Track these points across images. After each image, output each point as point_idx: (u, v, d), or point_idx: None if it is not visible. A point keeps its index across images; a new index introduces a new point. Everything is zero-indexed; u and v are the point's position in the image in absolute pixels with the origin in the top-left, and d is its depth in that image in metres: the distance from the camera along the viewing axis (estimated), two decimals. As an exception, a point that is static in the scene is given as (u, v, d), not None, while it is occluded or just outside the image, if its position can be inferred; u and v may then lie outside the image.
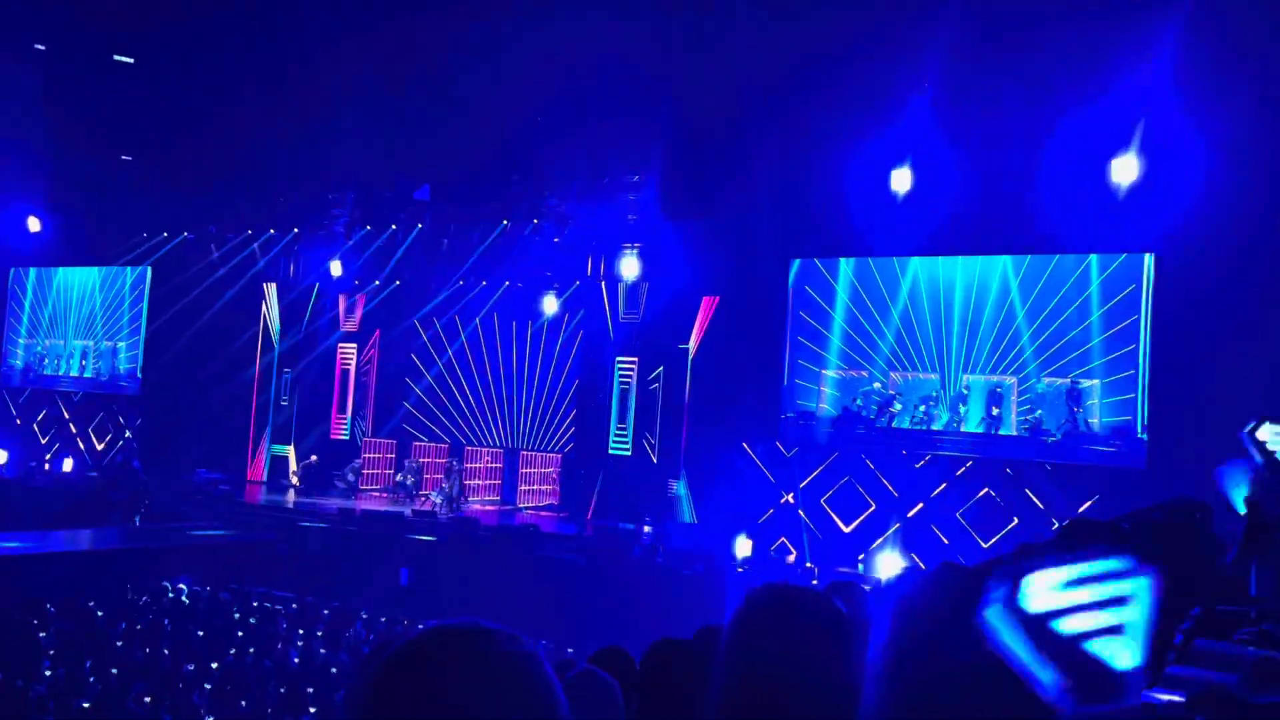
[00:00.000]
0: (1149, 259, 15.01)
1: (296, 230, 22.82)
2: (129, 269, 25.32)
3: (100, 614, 13.17)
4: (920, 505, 16.37)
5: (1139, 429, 14.90)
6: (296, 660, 11.73)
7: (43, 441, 25.76)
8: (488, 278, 21.67)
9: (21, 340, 26.89)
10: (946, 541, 15.93)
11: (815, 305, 17.62)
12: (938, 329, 16.65)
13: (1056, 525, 13.52)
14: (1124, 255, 15.20)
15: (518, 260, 20.88)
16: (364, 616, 14.53)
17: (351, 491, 21.75)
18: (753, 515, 17.13)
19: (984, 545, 15.54)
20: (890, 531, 16.40)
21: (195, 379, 23.27)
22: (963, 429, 16.24)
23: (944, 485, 16.31)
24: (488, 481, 21.87)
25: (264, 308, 23.89)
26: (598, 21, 14.67)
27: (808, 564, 16.06)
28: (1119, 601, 0.93)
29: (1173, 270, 14.57)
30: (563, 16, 14.77)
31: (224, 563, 16.66)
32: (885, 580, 13.62)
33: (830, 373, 17.40)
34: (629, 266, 19.38)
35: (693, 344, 19.05)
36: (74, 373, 25.89)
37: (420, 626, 1.15)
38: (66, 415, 25.77)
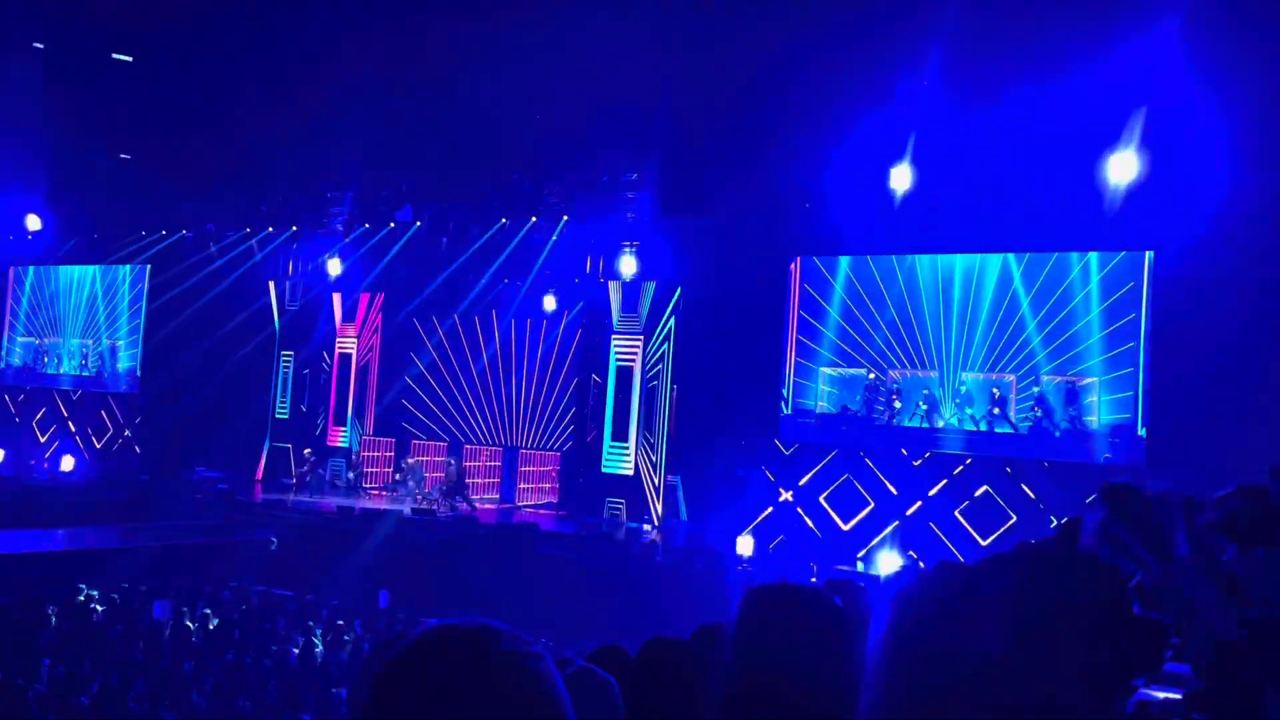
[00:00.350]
0: (1148, 256, 15.02)
1: (295, 228, 22.82)
2: (128, 267, 25.31)
3: (99, 610, 13.17)
4: (919, 503, 16.38)
5: (1138, 426, 14.91)
6: (296, 655, 11.73)
7: (41, 440, 25.77)
8: (487, 276, 21.65)
9: (20, 339, 26.88)
10: (945, 539, 15.94)
11: (814, 303, 17.62)
12: (936, 327, 16.66)
13: (1055, 523, 13.55)
14: (1123, 253, 15.21)
15: (517, 258, 20.87)
16: (362, 615, 14.53)
17: (352, 490, 21.75)
18: (752, 513, 17.15)
19: (982, 543, 15.55)
20: (889, 530, 16.41)
21: (194, 377, 23.26)
22: (963, 427, 16.25)
23: (943, 483, 16.32)
24: (487, 480, 21.88)
25: (263, 306, 23.87)
26: (598, 20, 14.68)
27: (812, 566, 16.04)
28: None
29: (1172, 268, 14.57)
30: (563, 16, 14.78)
31: (224, 561, 16.65)
32: (884, 577, 13.63)
33: (829, 370, 17.40)
34: (628, 265, 19.37)
35: (691, 344, 19.03)
36: (73, 371, 25.89)
37: (423, 624, 1.15)
38: (65, 414, 25.78)
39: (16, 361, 26.83)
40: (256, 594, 15.51)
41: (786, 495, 17.51)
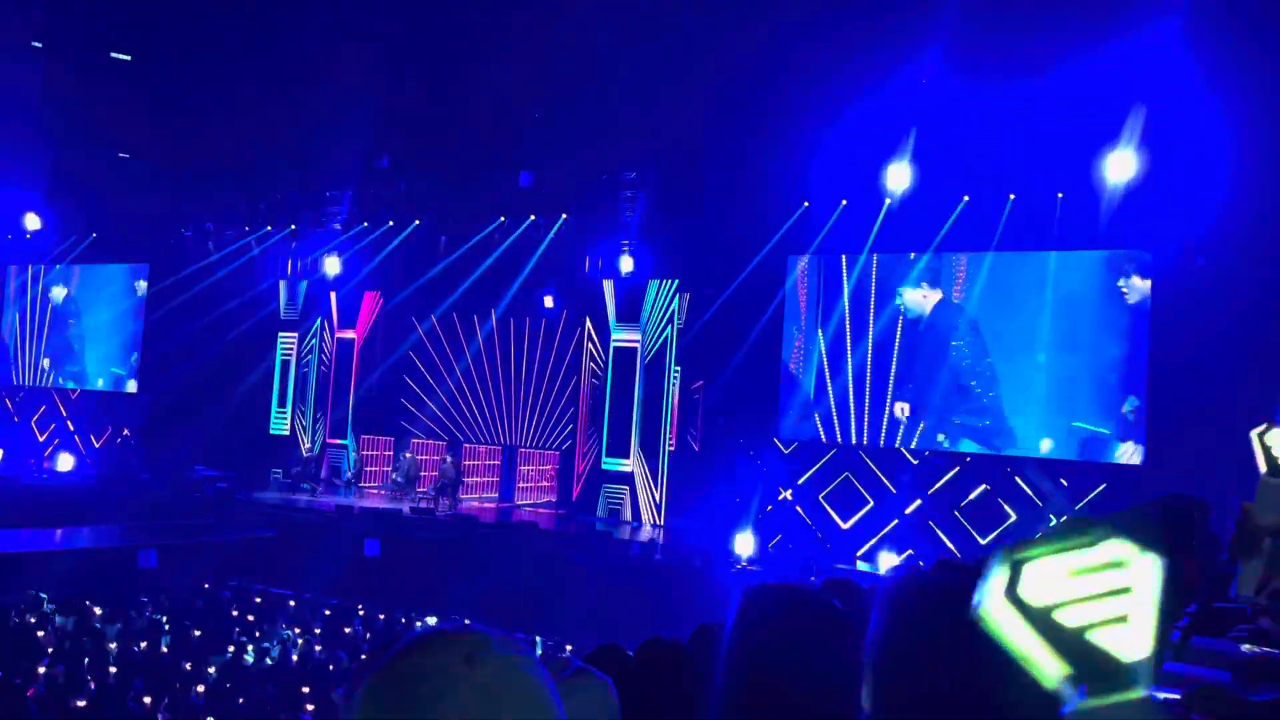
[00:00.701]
0: (1146, 256, 15.01)
1: (294, 227, 22.83)
2: (127, 266, 25.31)
3: (99, 611, 13.17)
4: (918, 502, 16.39)
5: (1137, 426, 14.90)
6: (295, 658, 11.73)
7: (40, 439, 25.77)
8: (485, 274, 21.65)
9: (19, 338, 26.88)
10: (944, 538, 15.96)
11: (814, 302, 17.62)
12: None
13: (1054, 522, 13.55)
14: (1122, 251, 15.20)
15: (516, 256, 20.87)
16: (361, 613, 14.54)
17: (353, 489, 21.76)
18: (751, 512, 17.15)
19: (982, 542, 15.55)
20: (888, 528, 16.42)
21: (193, 376, 23.26)
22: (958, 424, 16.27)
23: (942, 482, 16.33)
24: (486, 479, 21.89)
25: (262, 303, 23.87)
26: (597, 17, 14.67)
27: (814, 573, 16.04)
28: (1121, 590, 0.92)
29: (1171, 267, 14.56)
30: (562, 12, 14.77)
31: (223, 561, 16.66)
32: (883, 577, 13.65)
33: (829, 370, 17.40)
34: (626, 263, 19.38)
35: (690, 340, 19.04)
36: (73, 370, 25.88)
37: (418, 628, 1.15)
38: (64, 413, 25.78)
39: (15, 361, 26.81)
40: (256, 593, 15.52)
41: (786, 494, 17.52)
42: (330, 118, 17.55)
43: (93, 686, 9.62)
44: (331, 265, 22.62)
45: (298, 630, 13.39)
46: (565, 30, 15.03)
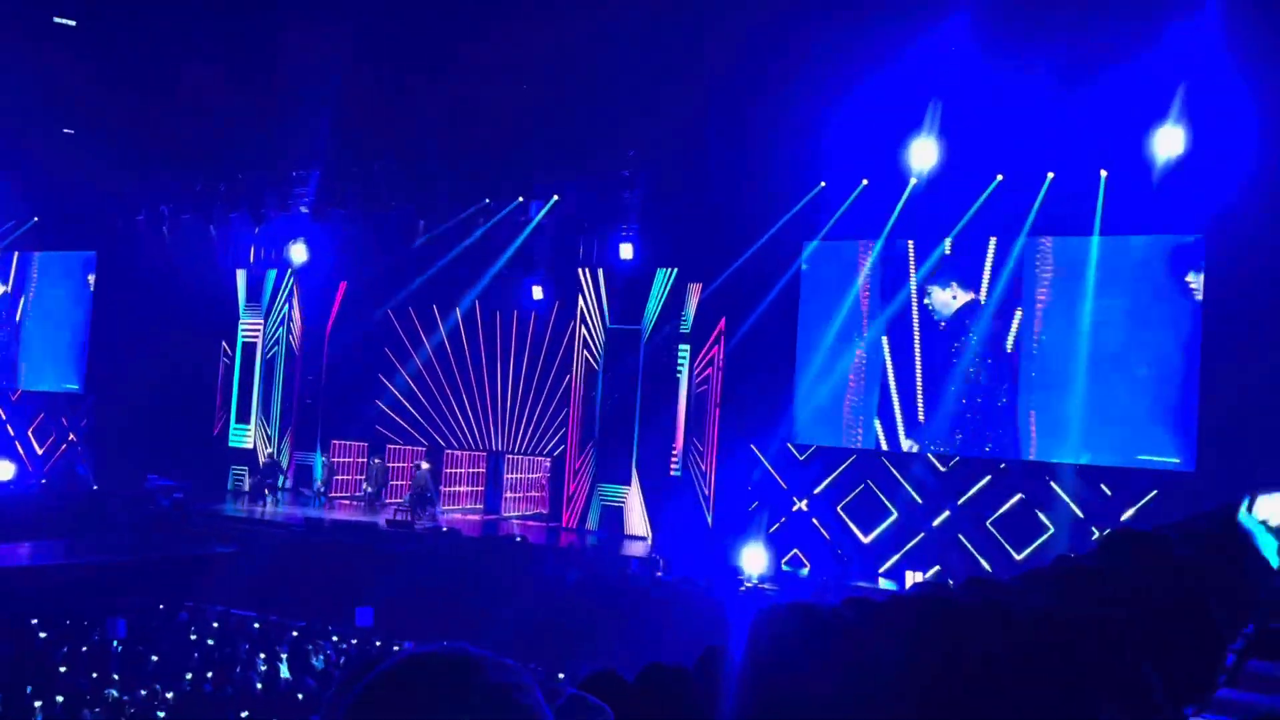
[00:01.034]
0: (1198, 242, 14.99)
1: (258, 211, 22.78)
2: (73, 253, 25.26)
3: (44, 635, 13.17)
4: (947, 513, 16.40)
5: (1190, 426, 14.90)
6: (259, 686, 11.74)
7: (-22, 445, 25.78)
8: (469, 263, 21.62)
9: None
10: (975, 553, 15.96)
11: (830, 291, 17.61)
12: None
13: (1096, 535, 13.56)
14: (1170, 237, 15.19)
15: (502, 244, 20.85)
16: (333, 638, 14.54)
17: (320, 499, 21.75)
18: (762, 524, 17.15)
19: (1017, 557, 15.56)
20: (914, 542, 16.42)
21: (147, 375, 23.21)
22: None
23: (973, 491, 16.33)
24: (470, 488, 21.88)
25: (222, 295, 23.85)
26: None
27: (832, 592, 16.05)
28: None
29: (1223, 253, 14.55)
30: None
31: (180, 579, 16.65)
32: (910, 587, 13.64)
33: (848, 365, 17.41)
34: (625, 251, 19.36)
35: (694, 336, 19.04)
36: (13, 368, 25.86)
37: (397, 650, 1.15)
38: (4, 415, 25.76)
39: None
40: (216, 615, 15.51)
41: (801, 504, 17.52)
42: (298, 90, 17.49)
43: (39, 718, 9.62)
44: (298, 252, 22.58)
45: (262, 655, 13.39)
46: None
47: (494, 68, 16.56)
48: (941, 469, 16.67)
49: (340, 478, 22.71)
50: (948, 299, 16.78)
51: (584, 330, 20.56)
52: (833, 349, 17.52)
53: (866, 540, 17.03)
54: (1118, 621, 1.21)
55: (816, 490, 17.42)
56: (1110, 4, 13.21)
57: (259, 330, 23.72)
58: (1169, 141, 14.22)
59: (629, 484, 19.49)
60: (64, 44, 17.95)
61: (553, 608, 14.82)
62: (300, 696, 11.27)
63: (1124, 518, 14.83)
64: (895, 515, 16.81)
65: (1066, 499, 15.64)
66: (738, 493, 17.89)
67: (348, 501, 22.17)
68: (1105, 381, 15.48)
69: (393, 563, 16.69)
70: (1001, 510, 16.09)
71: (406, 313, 22.47)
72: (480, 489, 21.82)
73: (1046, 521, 15.71)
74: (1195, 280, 14.98)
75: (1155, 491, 14.88)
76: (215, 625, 14.94)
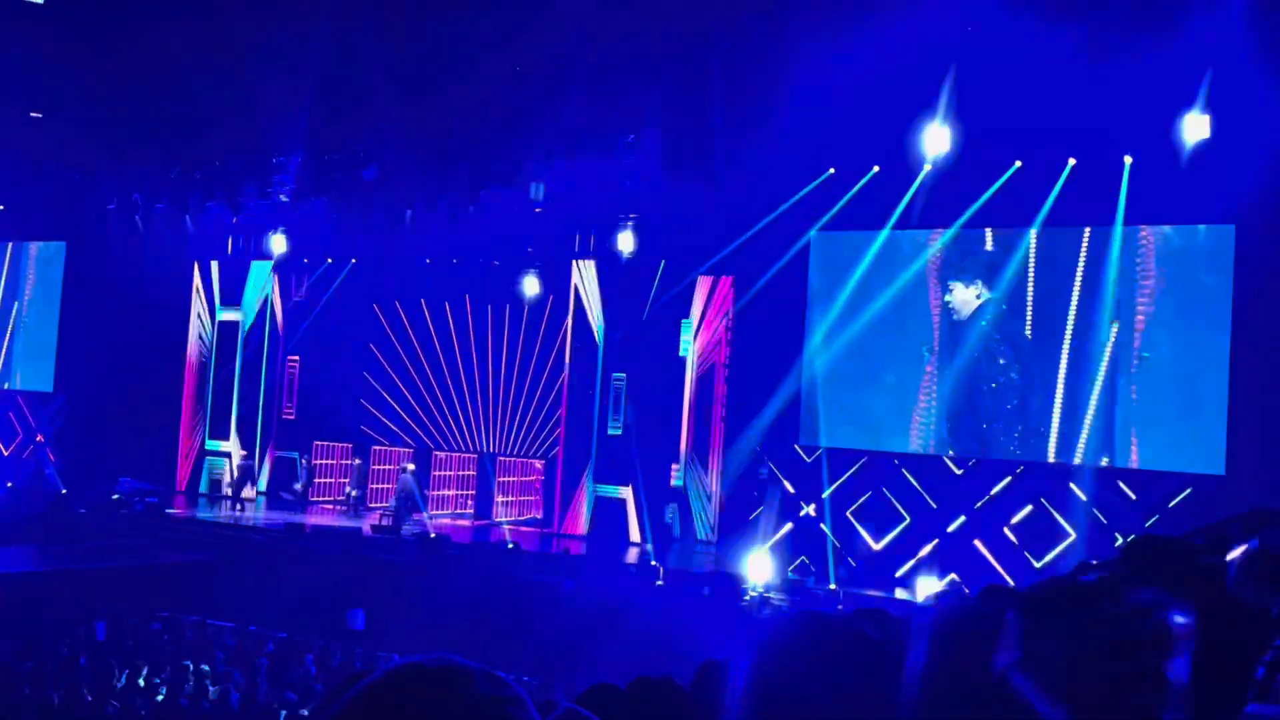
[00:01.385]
0: (1229, 231, 14.99)
1: (235, 199, 22.75)
2: (41, 244, 25.24)
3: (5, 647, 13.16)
4: (962, 518, 16.40)
5: (1218, 428, 14.90)
6: (237, 700, 11.74)
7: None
8: (460, 254, 21.62)
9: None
10: (993, 560, 15.97)
11: (840, 285, 17.60)
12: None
13: (1120, 541, 13.57)
14: (1201, 227, 15.19)
15: (495, 233, 20.84)
16: (313, 651, 14.54)
17: (300, 503, 21.74)
18: (768, 530, 17.16)
19: (1037, 565, 15.58)
20: (928, 549, 16.43)
21: (118, 372, 23.22)
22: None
23: (990, 495, 16.34)
24: (459, 492, 21.89)
25: (198, 289, 23.85)
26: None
27: (831, 586, 16.08)
28: (1156, 645, 0.93)
29: (1258, 243, 14.54)
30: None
31: (153, 588, 16.65)
32: (921, 604, 13.66)
33: (860, 363, 17.41)
34: (624, 241, 19.35)
35: (696, 329, 19.04)
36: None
37: (385, 664, 1.15)
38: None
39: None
40: (191, 625, 15.51)
41: (808, 509, 17.53)
42: (277, 72, 17.47)
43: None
44: (278, 243, 22.57)
45: (240, 669, 13.39)
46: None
47: (487, 46, 16.54)
48: (957, 471, 16.68)
49: (323, 480, 22.69)
50: (969, 297, 16.75)
51: (580, 325, 20.55)
52: (845, 346, 17.52)
53: (878, 547, 17.05)
54: (1139, 631, 1.21)
55: (825, 494, 17.43)
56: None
57: (235, 322, 23.69)
58: (1196, 127, 14.20)
59: (627, 487, 19.48)
60: (31, 22, 17.91)
61: (547, 618, 14.83)
62: (284, 714, 11.27)
63: (1149, 523, 14.84)
64: (908, 520, 16.81)
65: (1088, 503, 15.65)
66: (742, 497, 17.89)
67: (330, 506, 22.16)
68: (1130, 379, 15.48)
69: (378, 570, 16.70)
70: (1020, 515, 16.10)
71: (393, 306, 22.46)
72: (470, 493, 21.84)
73: (1067, 527, 15.71)
74: (1225, 271, 14.97)
75: (1183, 495, 14.89)
76: (190, 636, 14.94)
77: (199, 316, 23.89)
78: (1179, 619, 0.96)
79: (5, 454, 24.96)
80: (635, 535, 19.19)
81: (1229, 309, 14.86)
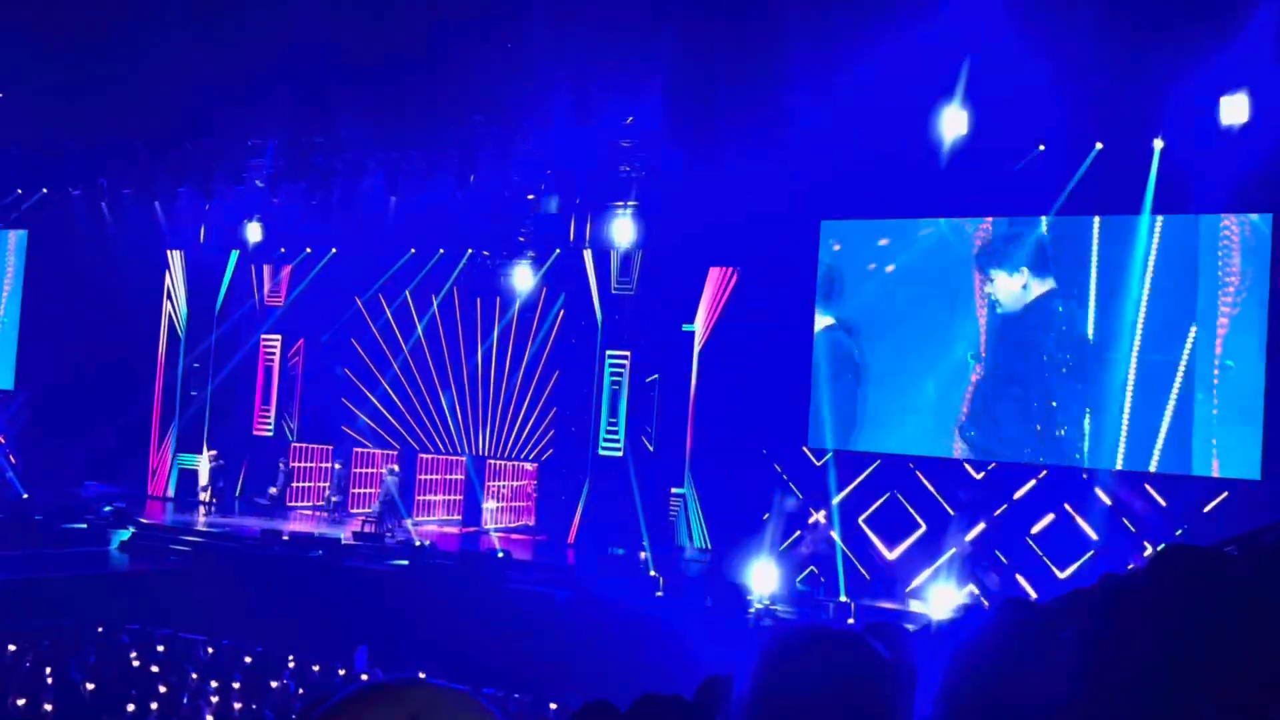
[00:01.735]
0: (1267, 220, 14.98)
1: (208, 185, 22.73)
2: (1, 232, 25.23)
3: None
4: (981, 525, 16.40)
5: (1254, 430, 14.91)
6: (209, 718, 11.74)
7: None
8: (446, 245, 21.61)
9: None
10: (1014, 570, 15.97)
11: (851, 276, 17.60)
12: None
13: (1150, 550, 13.58)
14: (1235, 216, 15.18)
15: (483, 223, 20.82)
16: (291, 665, 14.55)
17: (276, 507, 21.72)
18: (775, 539, 17.15)
19: (1060, 576, 15.58)
20: (944, 558, 16.43)
21: (83, 370, 23.21)
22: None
23: (1012, 501, 16.34)
24: (446, 497, 21.89)
25: (168, 281, 23.83)
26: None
27: (842, 598, 16.10)
28: None
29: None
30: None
31: (121, 598, 16.64)
32: (937, 622, 13.65)
33: (874, 359, 17.42)
34: (622, 230, 19.34)
35: (700, 326, 19.04)
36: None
37: (361, 680, 1.14)
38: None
39: None
40: (162, 638, 15.51)
41: (818, 516, 17.53)
42: (254, 48, 17.45)
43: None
44: (253, 232, 22.56)
45: (214, 684, 13.40)
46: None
47: (469, 25, 16.55)
48: (976, 476, 16.68)
49: (301, 484, 22.69)
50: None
51: (576, 319, 20.55)
52: (857, 341, 17.53)
53: (891, 556, 17.05)
54: (1173, 643, 1.20)
55: (836, 500, 17.43)
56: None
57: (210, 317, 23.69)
58: (1234, 110, 14.17)
59: (626, 490, 19.48)
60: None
61: (539, 631, 14.84)
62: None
63: (1178, 532, 14.85)
64: (924, 528, 16.82)
65: (1116, 511, 15.65)
66: (747, 502, 17.88)
67: (309, 511, 22.16)
68: (1158, 378, 15.48)
69: (359, 580, 16.70)
70: (1043, 523, 16.10)
71: (376, 300, 22.45)
72: (458, 498, 21.84)
73: (1093, 535, 15.72)
74: (1260, 263, 14.97)
75: (1219, 500, 14.89)
76: (161, 650, 14.94)
77: (172, 309, 23.86)
78: None
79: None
80: (633, 543, 19.20)
81: (1269, 303, 14.86)
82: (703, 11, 15.61)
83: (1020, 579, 15.80)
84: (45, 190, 24.36)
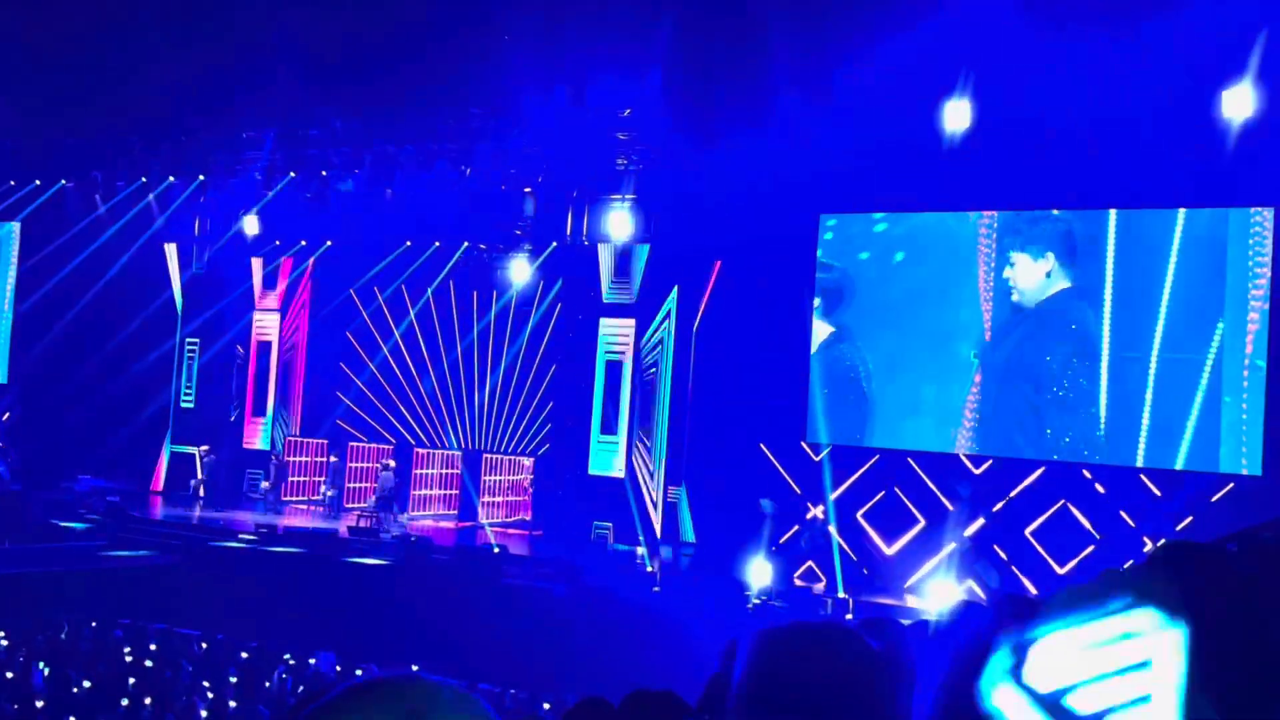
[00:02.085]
0: (1267, 214, 14.99)
1: (203, 177, 22.72)
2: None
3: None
4: (981, 521, 16.42)
5: (1255, 427, 14.93)
6: (204, 714, 11.75)
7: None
8: (442, 238, 21.59)
9: None
10: (1012, 566, 15.99)
11: (850, 270, 17.60)
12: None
13: (1149, 546, 13.61)
14: (1238, 209, 15.18)
15: (479, 216, 20.81)
16: (287, 660, 14.56)
17: (271, 502, 21.73)
18: (772, 534, 17.18)
19: (1060, 571, 15.60)
20: (943, 554, 16.45)
21: (77, 364, 23.21)
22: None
23: (1011, 496, 16.36)
24: (443, 491, 21.90)
25: (162, 274, 23.80)
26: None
27: (840, 594, 16.12)
28: (1140, 666, 0.95)
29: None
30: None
31: (115, 592, 16.65)
32: (935, 617, 13.68)
33: (875, 352, 17.42)
34: (619, 223, 19.32)
35: (698, 320, 19.05)
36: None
37: (357, 676, 1.14)
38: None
39: None
40: (156, 633, 15.52)
41: (816, 511, 17.54)
42: (249, 37, 17.42)
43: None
44: (250, 224, 22.53)
45: (207, 682, 13.41)
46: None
47: (475, 10, 16.53)
48: (975, 470, 16.69)
49: (297, 479, 22.69)
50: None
51: (572, 313, 20.55)
52: (856, 344, 17.53)
53: (890, 551, 17.07)
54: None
55: (833, 495, 17.44)
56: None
57: (202, 311, 23.67)
58: (1237, 103, 14.14)
59: (624, 487, 19.49)
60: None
61: (535, 626, 14.85)
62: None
63: (1180, 527, 14.86)
64: (923, 524, 16.84)
65: (1116, 506, 15.67)
66: (744, 497, 17.88)
67: (305, 506, 22.16)
68: (1162, 375, 15.49)
69: (355, 575, 16.71)
70: (1043, 518, 16.12)
71: (371, 292, 22.43)
72: (454, 492, 21.84)
73: (1093, 530, 15.74)
74: (1264, 259, 14.97)
75: (1220, 495, 14.91)
76: (154, 646, 14.95)
77: (167, 302, 23.84)
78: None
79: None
80: (632, 538, 19.21)
81: (1270, 298, 14.87)
82: (700, 1, 15.59)
83: (1019, 574, 15.82)
84: (38, 182, 24.32)
